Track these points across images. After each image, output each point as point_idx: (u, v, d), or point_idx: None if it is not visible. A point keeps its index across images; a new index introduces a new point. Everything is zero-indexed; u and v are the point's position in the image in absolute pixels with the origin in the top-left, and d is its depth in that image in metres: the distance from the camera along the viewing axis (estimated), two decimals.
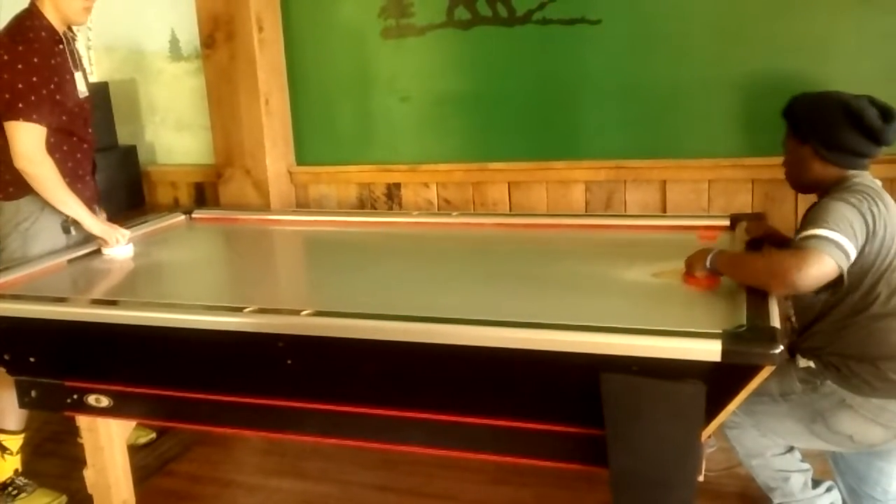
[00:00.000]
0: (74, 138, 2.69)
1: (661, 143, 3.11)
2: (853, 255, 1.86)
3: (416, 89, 3.43)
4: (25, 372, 2.33)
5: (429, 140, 3.46)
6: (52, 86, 2.55)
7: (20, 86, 2.47)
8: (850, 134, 1.99)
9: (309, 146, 3.67)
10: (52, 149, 2.57)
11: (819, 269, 1.80)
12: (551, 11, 3.13)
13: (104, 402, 2.29)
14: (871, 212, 1.91)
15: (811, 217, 1.92)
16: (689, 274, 2.10)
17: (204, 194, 3.86)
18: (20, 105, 2.47)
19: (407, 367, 1.93)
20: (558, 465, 1.98)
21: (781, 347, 1.61)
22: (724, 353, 1.61)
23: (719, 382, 1.66)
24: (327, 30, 3.50)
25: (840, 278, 1.84)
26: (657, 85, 3.07)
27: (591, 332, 1.74)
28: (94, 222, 2.69)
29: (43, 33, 2.56)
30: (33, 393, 2.35)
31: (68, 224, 2.69)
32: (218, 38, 3.44)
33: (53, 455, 3.05)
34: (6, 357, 2.34)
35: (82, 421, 2.42)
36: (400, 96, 3.45)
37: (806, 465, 2.23)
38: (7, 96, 2.47)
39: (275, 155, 3.55)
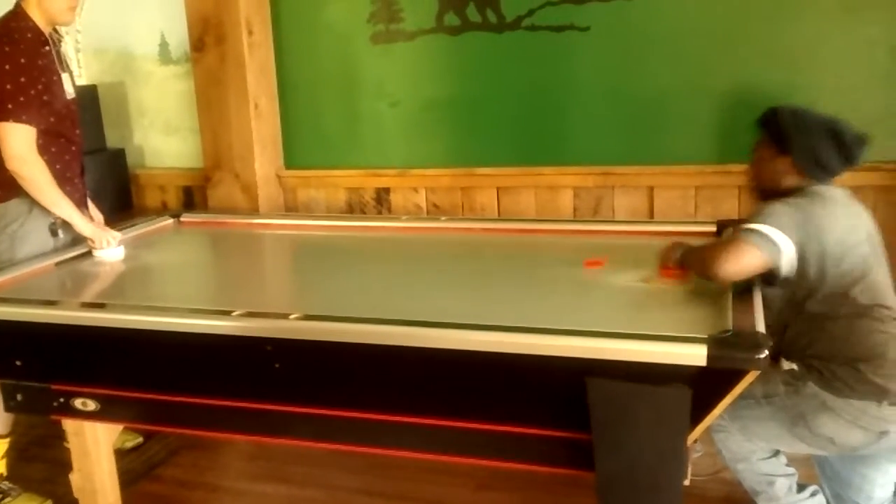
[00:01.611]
0: (62, 140, 2.68)
1: (648, 150, 3.14)
2: (787, 247, 1.96)
3: (406, 94, 3.44)
4: (11, 375, 2.31)
5: (418, 145, 3.47)
6: (40, 86, 2.54)
7: (8, 87, 2.47)
8: (831, 152, 2.06)
9: (298, 150, 3.67)
10: (40, 151, 2.56)
11: (745, 259, 1.94)
12: (540, 18, 3.15)
13: (91, 405, 2.28)
14: (808, 210, 1.99)
15: (750, 214, 2.05)
16: (661, 265, 2.26)
17: (192, 198, 3.86)
18: (9, 106, 2.47)
19: (395, 371, 1.93)
20: (545, 469, 1.99)
21: (766, 352, 1.62)
22: (709, 357, 1.62)
23: (705, 387, 1.67)
24: (317, 34, 3.51)
25: (777, 270, 1.97)
26: (645, 92, 3.09)
27: (578, 337, 1.75)
28: (86, 224, 2.69)
29: (29, 34, 2.55)
30: (19, 396, 2.34)
31: (56, 227, 2.69)
32: (207, 41, 3.44)
33: (39, 459, 3.03)
34: None
35: (69, 425, 2.40)
36: (389, 101, 3.46)
37: (791, 470, 2.24)
38: None
39: (263, 159, 3.55)
